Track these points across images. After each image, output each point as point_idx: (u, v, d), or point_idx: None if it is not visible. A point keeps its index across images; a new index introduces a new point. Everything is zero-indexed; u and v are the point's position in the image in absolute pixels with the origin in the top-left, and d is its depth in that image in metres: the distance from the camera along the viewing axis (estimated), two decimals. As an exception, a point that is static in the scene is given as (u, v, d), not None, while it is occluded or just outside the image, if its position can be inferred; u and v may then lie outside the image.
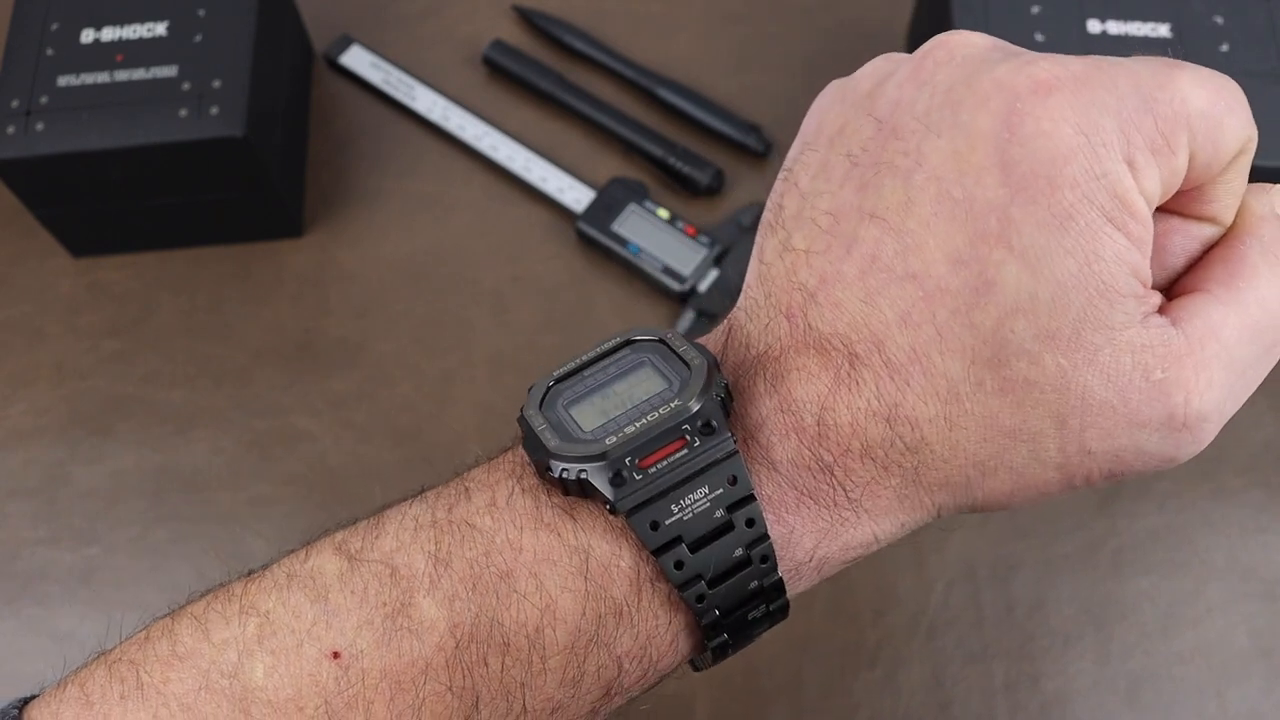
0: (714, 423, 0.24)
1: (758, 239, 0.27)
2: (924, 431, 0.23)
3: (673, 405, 0.24)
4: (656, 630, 0.24)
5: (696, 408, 0.24)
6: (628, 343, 0.26)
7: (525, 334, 0.52)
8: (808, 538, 0.24)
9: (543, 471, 0.24)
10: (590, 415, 0.25)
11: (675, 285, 0.52)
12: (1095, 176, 0.22)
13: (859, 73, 0.27)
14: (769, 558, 0.24)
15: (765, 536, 0.24)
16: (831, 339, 0.24)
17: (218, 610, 0.24)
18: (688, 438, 0.23)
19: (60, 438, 0.51)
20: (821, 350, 0.24)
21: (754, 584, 0.24)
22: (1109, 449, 0.23)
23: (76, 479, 0.50)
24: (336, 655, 0.23)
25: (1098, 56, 0.24)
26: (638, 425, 0.24)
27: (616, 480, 0.23)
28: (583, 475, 0.23)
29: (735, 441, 0.24)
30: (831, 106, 0.27)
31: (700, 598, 0.24)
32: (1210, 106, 0.23)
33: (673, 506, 0.23)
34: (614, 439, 0.24)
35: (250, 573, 0.25)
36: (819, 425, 0.24)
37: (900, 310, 0.23)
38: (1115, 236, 0.22)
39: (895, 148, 0.24)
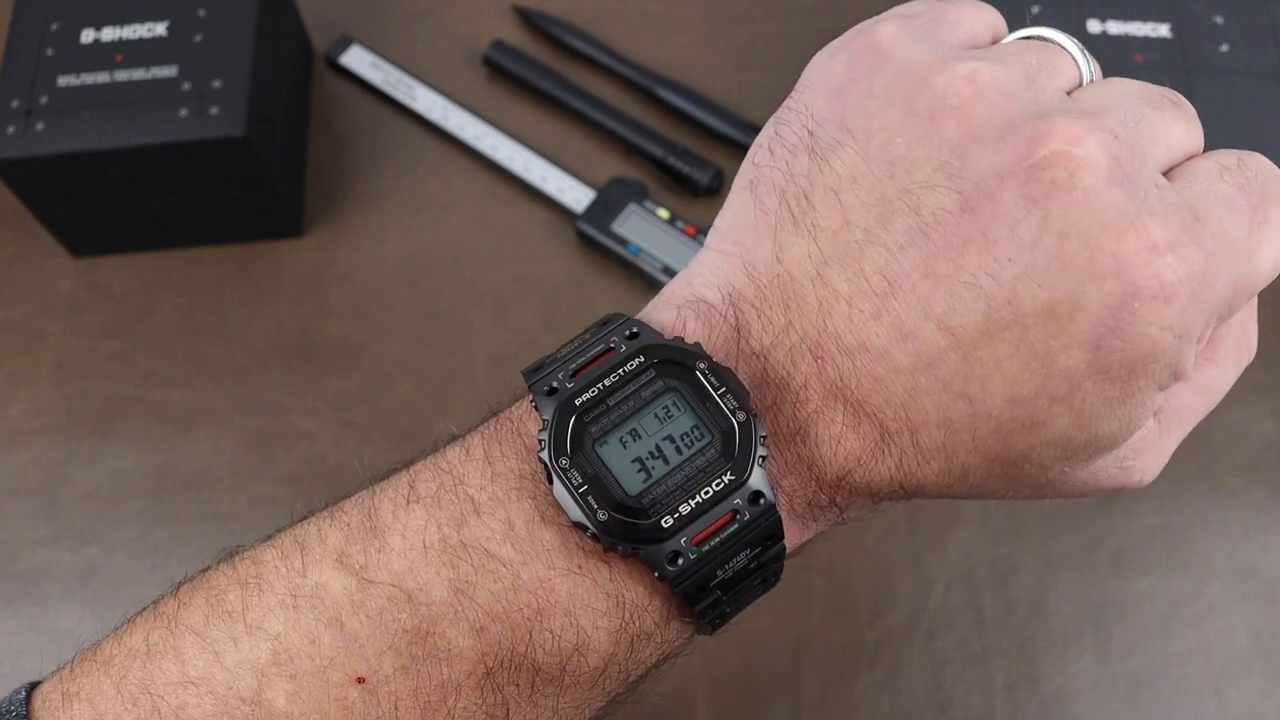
0: (764, 495, 0.24)
1: (764, 204, 0.26)
2: (925, 490, 0.25)
3: (727, 480, 0.24)
4: (677, 640, 0.25)
5: (748, 479, 0.24)
6: (649, 365, 0.24)
7: (525, 334, 0.52)
8: (799, 541, 0.26)
9: (581, 529, 0.23)
10: (624, 464, 0.24)
11: (675, 285, 0.52)
12: (1169, 366, 0.23)
13: (940, 83, 0.24)
14: (779, 575, 0.26)
15: (783, 565, 0.25)
16: (864, 406, 0.24)
17: (222, 629, 0.23)
18: (738, 512, 0.24)
19: (60, 438, 0.51)
20: (851, 413, 0.24)
21: (761, 593, 0.26)
22: (1063, 497, 0.26)
23: (76, 479, 0.50)
24: (362, 680, 0.23)
25: (1206, 227, 0.23)
26: (692, 504, 0.23)
27: (672, 560, 0.23)
28: (638, 552, 0.23)
29: (777, 505, 0.24)
30: (891, 108, 0.25)
31: (720, 616, 0.25)
32: (1277, 266, 0.24)
33: (718, 572, 0.24)
34: (670, 519, 0.23)
35: (232, 555, 0.25)
36: (839, 480, 0.25)
37: (944, 415, 0.23)
38: (1159, 399, 0.24)
39: (981, 263, 0.23)
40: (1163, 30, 0.49)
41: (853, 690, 0.44)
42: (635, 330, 0.25)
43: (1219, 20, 0.49)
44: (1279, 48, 0.48)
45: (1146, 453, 0.25)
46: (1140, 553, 0.47)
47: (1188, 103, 0.26)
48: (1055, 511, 0.47)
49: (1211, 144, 0.48)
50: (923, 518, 0.47)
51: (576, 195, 0.54)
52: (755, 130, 0.56)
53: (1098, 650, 0.45)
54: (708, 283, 0.26)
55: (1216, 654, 0.45)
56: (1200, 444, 0.49)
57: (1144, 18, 0.49)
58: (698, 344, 0.25)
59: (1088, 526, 0.47)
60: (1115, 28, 0.49)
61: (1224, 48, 0.48)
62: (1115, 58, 0.48)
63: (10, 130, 0.48)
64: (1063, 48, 0.26)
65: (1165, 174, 0.24)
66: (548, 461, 0.24)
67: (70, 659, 0.25)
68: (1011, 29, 0.50)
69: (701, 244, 0.52)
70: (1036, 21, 0.49)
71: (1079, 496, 0.26)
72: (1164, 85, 0.47)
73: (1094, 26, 0.49)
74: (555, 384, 0.24)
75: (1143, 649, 0.45)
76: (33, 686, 0.24)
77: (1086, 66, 0.26)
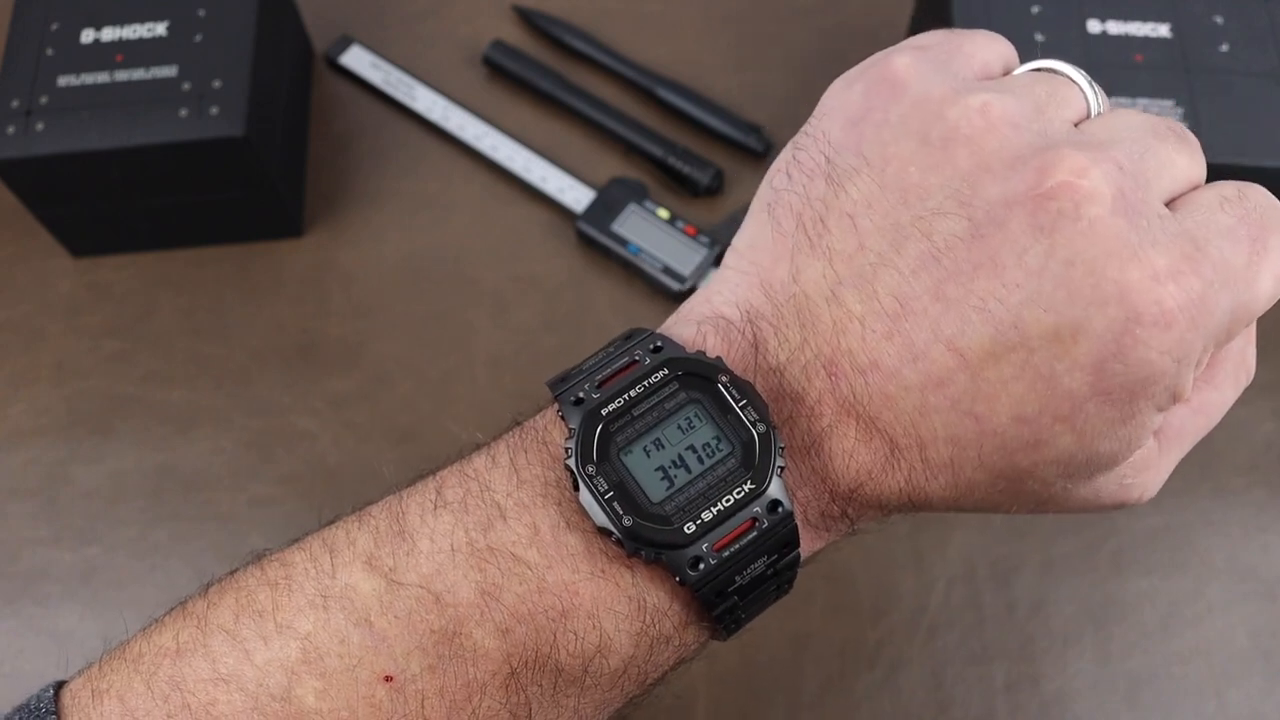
0: (782, 504, 0.24)
1: (781, 226, 0.26)
2: (932, 504, 0.26)
3: (747, 488, 0.24)
4: (693, 644, 0.26)
5: (767, 488, 0.24)
6: (673, 377, 0.25)
7: (525, 334, 0.52)
8: (812, 550, 0.27)
9: (605, 535, 0.24)
10: (648, 472, 0.24)
11: (675, 285, 0.52)
12: (1169, 389, 0.24)
13: (954, 115, 0.25)
14: (793, 581, 0.26)
15: (796, 572, 0.26)
16: (876, 422, 0.24)
17: (252, 628, 0.23)
18: (757, 520, 0.24)
19: (60, 438, 0.51)
20: (863, 428, 0.25)
21: (775, 600, 0.27)
22: (1065, 512, 0.27)
23: (76, 479, 0.50)
24: (389, 679, 0.23)
25: (1207, 257, 0.23)
26: (713, 511, 0.24)
27: (694, 565, 0.24)
28: (660, 557, 0.24)
29: (794, 514, 0.25)
30: (906, 138, 0.25)
31: (736, 622, 0.26)
32: (1275, 293, 0.25)
33: (736, 578, 0.25)
34: (692, 526, 0.24)
35: (260, 557, 0.25)
36: (851, 492, 0.25)
37: (952, 433, 0.24)
38: (1158, 419, 0.24)
39: (989, 288, 0.23)
40: (1163, 30, 0.49)
41: (853, 689, 0.44)
42: (659, 344, 0.26)
43: (1219, 20, 0.49)
44: (1279, 48, 0.48)
45: (1146, 471, 0.26)
46: (1141, 553, 0.47)
47: (1192, 135, 0.27)
48: (1055, 511, 0.48)
49: (1212, 144, 0.48)
50: (924, 518, 0.47)
51: (576, 195, 0.54)
52: (755, 130, 0.56)
53: (1098, 650, 0.45)
54: (727, 300, 0.27)
55: (1216, 654, 0.45)
56: (1201, 444, 0.48)
57: (1144, 18, 0.49)
58: (719, 358, 0.25)
59: (1089, 527, 0.47)
60: (1115, 28, 0.49)
61: (1224, 48, 0.48)
62: (1115, 58, 0.48)
63: (10, 130, 0.48)
64: (1072, 80, 0.27)
65: (1168, 204, 0.25)
66: (574, 468, 0.24)
67: (98, 658, 0.25)
68: (1012, 29, 0.50)
69: (701, 243, 0.52)
70: (1036, 22, 0.49)
71: (1081, 512, 0.27)
72: (1164, 84, 0.47)
73: (1094, 26, 0.49)
74: (582, 394, 0.25)
75: (1143, 649, 0.45)
76: (60, 685, 0.24)
77: (1095, 98, 0.27)
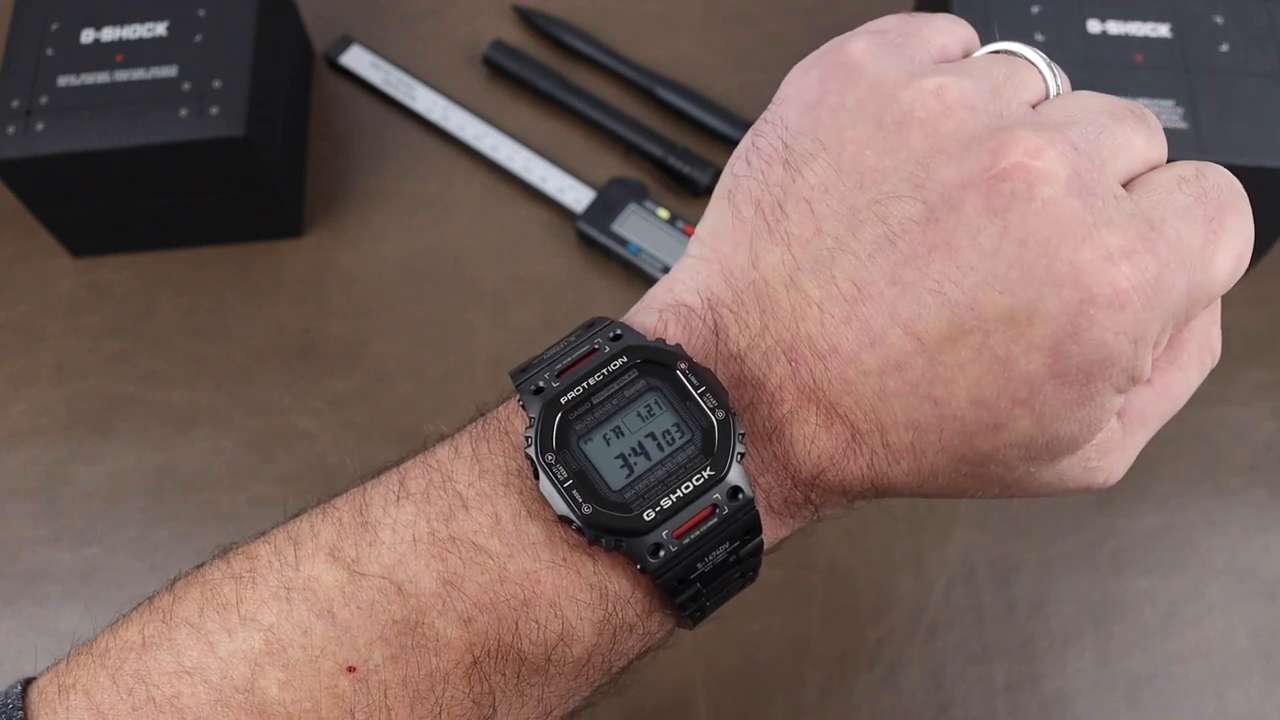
0: (742, 490, 0.24)
1: (741, 213, 0.26)
2: (896, 489, 0.26)
3: (706, 475, 0.24)
4: (658, 632, 0.26)
5: (727, 475, 0.24)
6: (632, 365, 0.25)
7: (525, 334, 0.52)
8: (776, 537, 0.27)
9: (566, 523, 0.24)
10: (608, 460, 0.25)
11: (675, 285, 0.52)
12: (1126, 370, 0.23)
13: (908, 98, 0.25)
14: (758, 569, 0.26)
15: (761, 560, 0.26)
16: (836, 407, 0.25)
17: (216, 621, 0.24)
18: (717, 506, 0.24)
19: (60, 438, 0.51)
20: (825, 414, 0.25)
21: (740, 588, 0.27)
22: (1032, 495, 0.27)
23: (76, 479, 0.50)
24: (352, 669, 0.23)
25: (1162, 236, 0.23)
26: (673, 498, 0.24)
27: (654, 552, 0.24)
28: (620, 545, 0.24)
29: (755, 501, 0.25)
30: (861, 122, 0.25)
31: (700, 610, 0.26)
32: (1233, 274, 0.25)
33: (698, 565, 0.25)
34: (651, 512, 0.24)
35: (226, 550, 0.25)
36: (813, 478, 0.25)
37: (911, 417, 0.24)
38: (1118, 401, 0.24)
39: (944, 271, 0.23)
40: (1163, 30, 0.49)
41: (853, 690, 0.44)
42: (619, 332, 0.26)
43: (1219, 20, 0.49)
44: (1279, 48, 0.48)
45: (1111, 454, 0.26)
46: (1141, 552, 0.47)
47: (1151, 115, 0.27)
48: (1056, 511, 0.48)
49: (1212, 144, 0.48)
50: (924, 518, 0.47)
51: (576, 195, 0.54)
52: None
53: (1098, 650, 0.45)
54: (688, 288, 0.27)
55: (1216, 654, 0.45)
56: (1201, 444, 0.49)
57: (1144, 18, 0.49)
58: (678, 345, 0.25)
59: (1088, 526, 0.47)
60: (1115, 28, 0.49)
61: (1224, 48, 0.48)
62: (1115, 58, 0.48)
63: (10, 130, 0.48)
64: (1030, 62, 0.27)
65: (1126, 185, 0.25)
66: (534, 457, 0.24)
67: (66, 654, 0.25)
68: (1011, 29, 0.50)
69: (701, 244, 0.52)
70: (1037, 22, 0.49)
71: (1048, 495, 0.27)
72: (1164, 84, 0.47)
73: (1094, 26, 0.49)
74: (541, 383, 0.25)
75: (1143, 649, 0.45)
76: (28, 682, 0.24)
77: (1053, 80, 0.27)
